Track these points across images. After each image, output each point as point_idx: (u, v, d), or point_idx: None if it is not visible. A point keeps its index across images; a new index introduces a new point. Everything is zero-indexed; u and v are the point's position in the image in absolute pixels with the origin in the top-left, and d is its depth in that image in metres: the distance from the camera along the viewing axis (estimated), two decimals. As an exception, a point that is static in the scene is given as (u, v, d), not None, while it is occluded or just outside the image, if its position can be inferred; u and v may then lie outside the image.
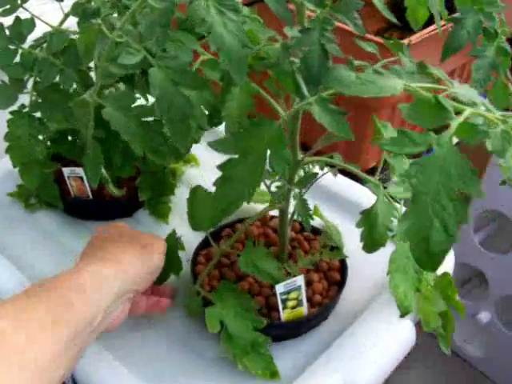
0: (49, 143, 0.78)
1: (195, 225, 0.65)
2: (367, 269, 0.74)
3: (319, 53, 0.45)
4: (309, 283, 0.66)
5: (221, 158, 0.47)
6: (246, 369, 0.59)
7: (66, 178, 0.78)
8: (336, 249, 0.70)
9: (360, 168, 1.06)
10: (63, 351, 0.47)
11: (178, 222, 0.80)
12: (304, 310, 0.63)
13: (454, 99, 0.41)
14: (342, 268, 0.69)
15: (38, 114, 0.73)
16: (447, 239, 0.38)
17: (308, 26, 0.46)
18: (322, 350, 0.64)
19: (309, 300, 0.65)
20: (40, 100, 0.71)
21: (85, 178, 0.78)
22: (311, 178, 0.60)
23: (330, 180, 0.74)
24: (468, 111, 0.39)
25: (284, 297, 0.61)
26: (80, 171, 0.77)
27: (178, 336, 0.67)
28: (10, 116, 0.71)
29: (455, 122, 0.38)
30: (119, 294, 0.55)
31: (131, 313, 0.63)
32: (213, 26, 0.43)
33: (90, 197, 0.80)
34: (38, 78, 0.70)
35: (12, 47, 0.68)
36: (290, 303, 0.62)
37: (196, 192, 0.64)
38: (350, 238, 0.74)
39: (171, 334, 0.67)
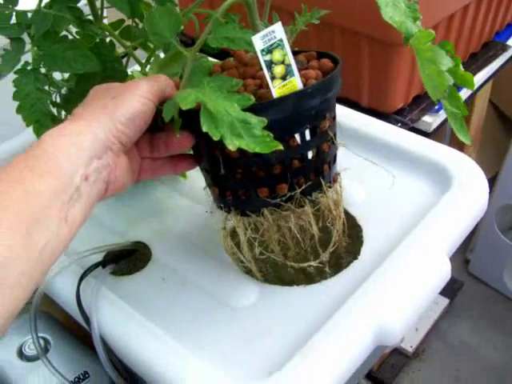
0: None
1: (157, 39, 0.57)
2: (392, 206, 0.74)
3: None
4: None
5: None
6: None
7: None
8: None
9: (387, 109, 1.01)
10: (41, 219, 0.43)
11: (199, 177, 0.66)
12: (297, 80, 0.51)
13: None
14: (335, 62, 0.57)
15: (43, 71, 0.75)
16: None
17: None
18: (351, 292, 0.60)
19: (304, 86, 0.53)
20: (41, 53, 0.74)
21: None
22: None
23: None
24: None
25: (267, 58, 0.50)
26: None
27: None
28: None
29: None
30: (96, 149, 0.49)
31: (145, 177, 0.60)
32: None
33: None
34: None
35: (6, 12, 0.74)
36: (278, 69, 0.50)
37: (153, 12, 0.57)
38: (371, 179, 0.72)
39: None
